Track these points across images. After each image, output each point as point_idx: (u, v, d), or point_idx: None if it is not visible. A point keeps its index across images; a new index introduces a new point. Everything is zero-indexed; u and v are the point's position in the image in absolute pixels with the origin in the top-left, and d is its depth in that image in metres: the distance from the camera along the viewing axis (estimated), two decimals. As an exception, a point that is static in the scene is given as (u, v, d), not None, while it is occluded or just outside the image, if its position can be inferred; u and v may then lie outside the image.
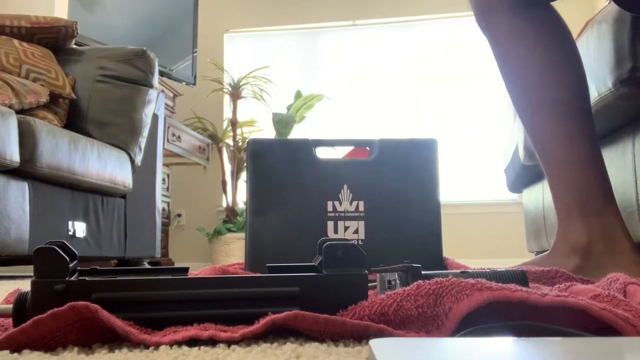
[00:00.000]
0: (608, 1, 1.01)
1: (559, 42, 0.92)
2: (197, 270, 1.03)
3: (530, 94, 0.92)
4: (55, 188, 1.76)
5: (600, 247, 0.84)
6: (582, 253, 0.85)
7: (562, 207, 0.90)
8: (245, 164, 1.25)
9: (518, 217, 3.54)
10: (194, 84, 3.56)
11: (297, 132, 3.77)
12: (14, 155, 1.52)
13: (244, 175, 3.74)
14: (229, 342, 0.43)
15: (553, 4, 0.94)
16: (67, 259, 0.46)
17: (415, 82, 4.03)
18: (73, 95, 2.05)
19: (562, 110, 0.89)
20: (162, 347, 0.41)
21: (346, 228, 1.11)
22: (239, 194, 3.75)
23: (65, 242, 0.49)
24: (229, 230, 3.52)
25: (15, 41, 2.04)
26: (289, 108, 3.80)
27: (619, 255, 0.83)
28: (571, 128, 0.89)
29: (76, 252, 0.50)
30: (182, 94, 3.70)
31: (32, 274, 0.45)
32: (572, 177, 0.88)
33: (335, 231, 1.11)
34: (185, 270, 0.52)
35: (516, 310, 0.43)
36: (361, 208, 1.11)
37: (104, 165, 1.93)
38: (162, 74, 3.19)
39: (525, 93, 0.93)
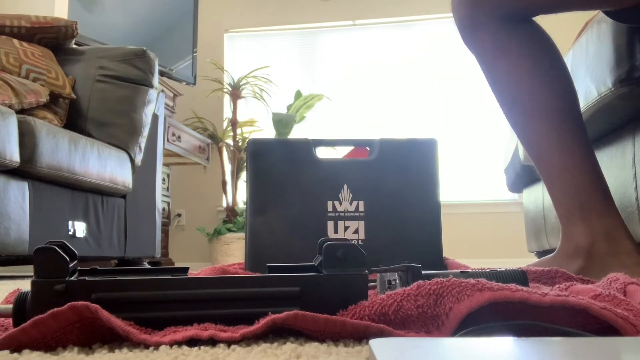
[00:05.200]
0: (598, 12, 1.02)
1: (544, 52, 0.92)
2: (197, 270, 1.03)
3: (520, 103, 0.92)
4: (55, 188, 1.76)
5: (603, 248, 0.85)
6: (586, 254, 0.86)
7: (562, 211, 0.91)
8: (245, 164, 1.25)
9: (518, 217, 3.54)
10: (194, 83, 3.56)
11: (297, 132, 3.77)
12: (14, 155, 1.52)
13: (244, 175, 3.74)
14: (229, 342, 0.43)
15: (536, 19, 0.95)
16: (67, 259, 0.46)
17: (415, 81, 4.03)
18: (73, 95, 2.05)
19: (553, 116, 0.90)
20: (162, 347, 0.41)
21: (346, 228, 1.11)
22: (239, 194, 3.75)
23: (65, 242, 0.49)
24: (229, 230, 3.52)
25: (15, 41, 2.04)
26: (289, 108, 3.80)
27: (622, 256, 0.83)
28: (564, 134, 0.89)
29: (76, 252, 0.50)
30: (182, 94, 3.70)
31: (32, 274, 0.45)
32: (569, 182, 0.89)
33: (335, 231, 1.11)
34: (185, 270, 0.52)
35: (516, 310, 0.43)
36: (361, 208, 1.11)
37: (104, 165, 1.93)
38: (162, 73, 3.19)
39: (515, 102, 0.93)
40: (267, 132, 3.86)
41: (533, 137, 0.92)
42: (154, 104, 2.27)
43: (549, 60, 0.92)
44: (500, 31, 0.92)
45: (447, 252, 1.96)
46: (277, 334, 0.46)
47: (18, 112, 1.70)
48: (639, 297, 0.50)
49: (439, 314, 0.43)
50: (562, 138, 0.89)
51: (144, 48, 2.21)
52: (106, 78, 2.14)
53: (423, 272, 0.54)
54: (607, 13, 0.95)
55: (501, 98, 0.96)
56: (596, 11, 1.03)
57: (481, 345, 0.32)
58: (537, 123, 0.91)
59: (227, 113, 4.09)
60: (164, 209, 3.36)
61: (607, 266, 0.83)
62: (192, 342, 0.43)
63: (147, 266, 1.87)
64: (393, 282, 0.56)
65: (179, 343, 0.42)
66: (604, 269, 0.82)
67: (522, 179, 2.07)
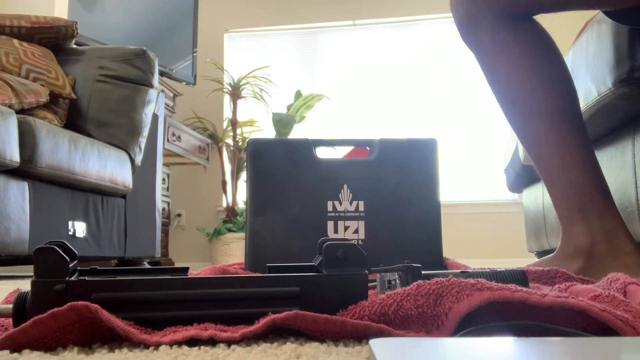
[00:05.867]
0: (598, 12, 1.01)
1: (544, 51, 0.92)
2: (197, 270, 1.03)
3: (520, 102, 0.92)
4: (55, 188, 1.76)
5: (603, 249, 0.85)
6: (586, 255, 0.86)
7: (562, 211, 0.90)
8: (245, 164, 1.25)
9: (518, 217, 3.54)
10: (194, 83, 3.56)
11: (297, 132, 3.77)
12: (14, 155, 1.52)
13: (244, 175, 3.74)
14: (229, 342, 0.43)
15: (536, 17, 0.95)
16: (67, 259, 0.46)
17: (415, 81, 4.03)
18: (73, 95, 2.05)
19: (554, 116, 0.90)
20: (162, 347, 0.41)
21: (346, 228, 1.11)
22: (239, 194, 3.75)
23: (65, 242, 0.49)
24: (229, 230, 3.52)
25: (15, 41, 2.04)
26: (289, 108, 3.80)
27: (623, 256, 0.83)
28: (564, 134, 0.89)
29: (76, 252, 0.50)
30: (182, 94, 3.70)
31: (32, 274, 0.45)
32: (569, 182, 0.89)
33: (335, 231, 1.11)
34: (185, 270, 0.52)
35: (516, 311, 0.43)
36: (361, 208, 1.11)
37: (104, 165, 1.93)
38: (162, 73, 3.19)
39: (515, 102, 0.93)
40: (267, 132, 3.86)
41: (533, 136, 0.92)
42: (154, 104, 2.27)
43: (549, 60, 0.92)
44: (500, 29, 0.92)
45: (447, 252, 1.96)
46: (277, 334, 0.46)
47: (18, 112, 1.70)
48: (639, 298, 0.50)
49: (439, 314, 0.43)
50: (562, 138, 0.89)
51: (144, 48, 2.21)
52: (106, 78, 2.14)
53: (423, 272, 0.54)
54: (607, 13, 0.95)
55: (501, 97, 0.96)
56: (596, 11, 1.03)
57: (481, 345, 0.32)
58: (537, 123, 0.91)
59: (227, 113, 4.08)
60: (164, 209, 3.36)
61: (607, 266, 0.83)
62: (192, 342, 0.43)
63: (147, 266, 1.86)
64: (393, 282, 0.56)
65: (179, 343, 0.42)
66: (604, 269, 0.82)
67: (522, 179, 2.07)
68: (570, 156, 0.89)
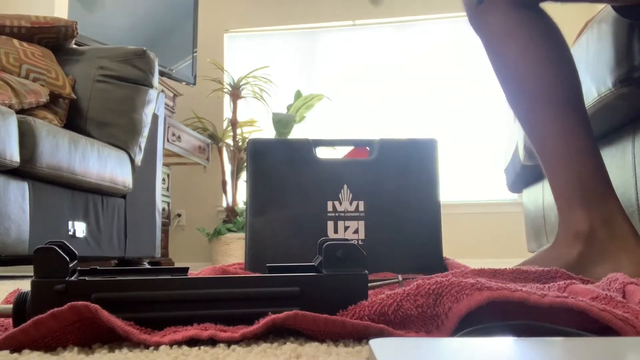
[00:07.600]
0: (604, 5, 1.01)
1: (552, 40, 0.93)
2: (197, 270, 1.03)
3: (526, 90, 0.92)
4: (55, 188, 1.76)
5: (602, 233, 0.85)
6: (585, 240, 0.86)
7: (562, 198, 0.90)
8: (245, 164, 1.25)
9: (518, 217, 3.54)
10: (194, 83, 3.56)
11: (297, 132, 3.77)
12: (14, 155, 1.51)
13: (244, 175, 3.74)
14: (229, 342, 0.43)
15: (545, 7, 0.95)
16: (67, 259, 0.46)
17: (415, 82, 4.03)
18: (73, 95, 2.05)
19: (559, 104, 0.90)
20: (162, 347, 0.41)
21: (346, 228, 1.11)
22: (239, 194, 3.75)
23: (65, 242, 0.49)
24: (229, 230, 3.52)
25: (15, 41, 2.04)
26: (289, 108, 3.80)
27: (622, 240, 0.83)
28: (568, 121, 0.89)
29: (76, 252, 0.50)
30: (182, 94, 3.70)
31: (32, 274, 0.45)
32: (572, 168, 0.89)
33: (335, 231, 1.11)
34: (185, 270, 0.52)
35: (516, 311, 0.43)
36: (361, 208, 1.11)
37: (104, 165, 1.93)
38: (162, 73, 3.19)
39: (521, 89, 0.93)
40: (267, 132, 3.86)
41: (538, 123, 0.92)
42: (154, 104, 2.27)
43: (557, 48, 0.92)
44: (510, 15, 0.92)
45: (447, 252, 1.96)
46: (277, 334, 0.46)
47: (18, 112, 1.70)
48: (638, 297, 0.50)
49: (439, 314, 0.43)
50: (568, 125, 0.89)
51: (144, 48, 2.21)
52: (106, 78, 2.14)
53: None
54: (616, 9, 0.95)
55: (507, 83, 0.96)
56: (597, 11, 1.03)
57: (481, 345, 0.32)
58: (543, 109, 0.91)
59: (227, 113, 4.09)
60: (164, 209, 3.36)
61: (606, 251, 0.83)
62: (192, 342, 0.43)
63: (147, 266, 1.86)
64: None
65: (179, 343, 0.42)
66: (603, 253, 0.82)
67: (522, 179, 2.07)
68: (574, 143, 0.89)
